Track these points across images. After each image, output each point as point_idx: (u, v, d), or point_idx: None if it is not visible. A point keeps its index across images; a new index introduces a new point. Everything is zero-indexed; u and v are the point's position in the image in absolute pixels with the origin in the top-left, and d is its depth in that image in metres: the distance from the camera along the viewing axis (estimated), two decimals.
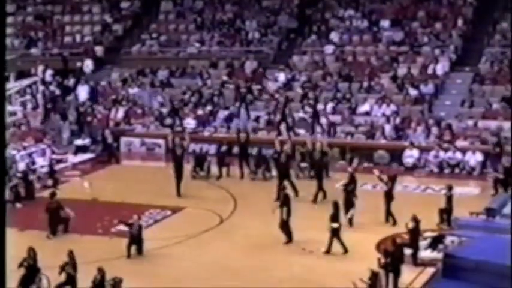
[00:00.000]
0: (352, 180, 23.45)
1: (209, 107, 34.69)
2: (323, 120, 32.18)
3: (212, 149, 31.81)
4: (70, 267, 18.08)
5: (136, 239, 20.90)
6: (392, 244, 18.59)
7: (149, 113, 35.26)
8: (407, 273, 18.57)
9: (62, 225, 22.69)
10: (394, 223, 22.64)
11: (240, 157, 29.04)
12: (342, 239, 20.49)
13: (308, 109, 32.90)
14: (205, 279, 19.21)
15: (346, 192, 22.98)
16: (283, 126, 31.90)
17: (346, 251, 20.49)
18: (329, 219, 20.54)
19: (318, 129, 31.65)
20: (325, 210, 21.22)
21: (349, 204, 22.64)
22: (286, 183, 24.40)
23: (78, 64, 39.03)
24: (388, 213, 22.94)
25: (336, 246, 20.50)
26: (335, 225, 20.50)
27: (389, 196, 23.05)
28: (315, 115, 32.22)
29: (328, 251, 20.50)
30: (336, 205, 20.87)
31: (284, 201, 21.52)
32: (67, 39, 42.13)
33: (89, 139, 33.75)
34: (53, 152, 31.28)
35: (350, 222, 22.48)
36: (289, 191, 23.15)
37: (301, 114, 33.08)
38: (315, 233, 21.18)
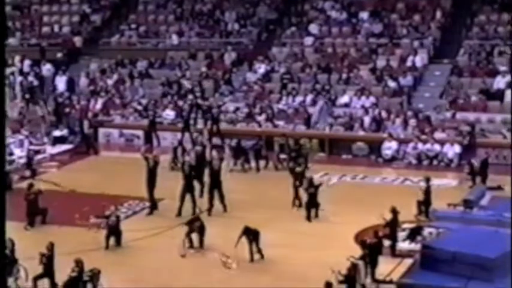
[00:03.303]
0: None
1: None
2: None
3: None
4: (46, 259, 18.02)
5: (114, 231, 20.85)
6: (374, 236, 18.65)
7: (128, 104, 35.11)
8: (386, 264, 18.65)
9: (39, 216, 22.61)
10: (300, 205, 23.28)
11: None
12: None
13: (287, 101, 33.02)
14: (184, 270, 19.22)
15: None
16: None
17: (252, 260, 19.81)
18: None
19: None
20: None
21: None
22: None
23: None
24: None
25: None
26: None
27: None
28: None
29: (252, 259, 19.80)
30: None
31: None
32: (45, 29, 41.83)
33: (67, 130, 33.57)
34: (30, 143, 31.10)
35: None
36: None
37: (280, 106, 33.11)
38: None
